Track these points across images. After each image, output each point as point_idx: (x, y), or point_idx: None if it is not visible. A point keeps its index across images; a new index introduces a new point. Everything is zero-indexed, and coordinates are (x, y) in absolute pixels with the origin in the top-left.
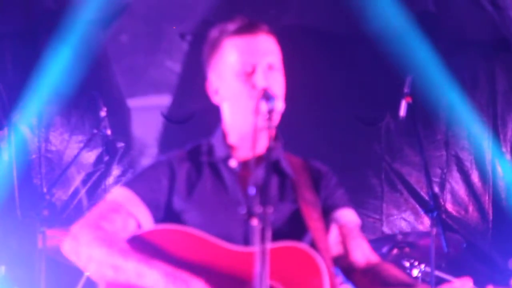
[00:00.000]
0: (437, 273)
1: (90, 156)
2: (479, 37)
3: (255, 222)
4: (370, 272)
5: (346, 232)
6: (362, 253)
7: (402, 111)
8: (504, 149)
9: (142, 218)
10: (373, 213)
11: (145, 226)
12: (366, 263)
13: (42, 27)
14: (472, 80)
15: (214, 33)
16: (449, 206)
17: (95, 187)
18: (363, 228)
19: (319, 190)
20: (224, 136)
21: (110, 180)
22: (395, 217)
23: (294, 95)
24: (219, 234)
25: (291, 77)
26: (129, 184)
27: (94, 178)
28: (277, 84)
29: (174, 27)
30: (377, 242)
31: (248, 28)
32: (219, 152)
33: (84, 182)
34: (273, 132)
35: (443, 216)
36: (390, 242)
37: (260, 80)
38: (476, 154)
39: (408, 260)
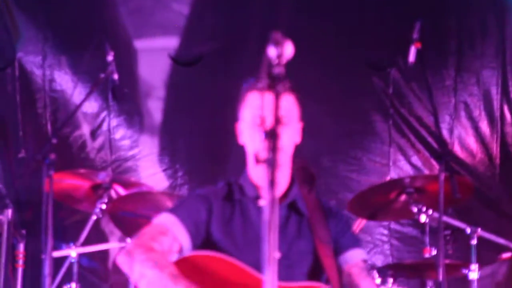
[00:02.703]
0: (445, 218)
1: (96, 99)
2: None
3: (277, 254)
4: None
5: (357, 271)
6: None
7: (411, 57)
8: None
9: (184, 244)
10: (381, 158)
11: (185, 252)
12: None
13: None
14: (481, 26)
15: (245, 85)
16: (457, 152)
17: (100, 129)
18: (371, 173)
19: (332, 230)
20: (250, 177)
21: (114, 122)
22: (402, 162)
23: (303, 40)
24: (249, 263)
25: (301, 22)
26: (174, 211)
27: (99, 120)
28: (285, 136)
29: None
30: (385, 186)
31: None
32: (250, 191)
33: (90, 124)
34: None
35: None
36: (398, 187)
37: None
38: (484, 100)
39: (416, 206)
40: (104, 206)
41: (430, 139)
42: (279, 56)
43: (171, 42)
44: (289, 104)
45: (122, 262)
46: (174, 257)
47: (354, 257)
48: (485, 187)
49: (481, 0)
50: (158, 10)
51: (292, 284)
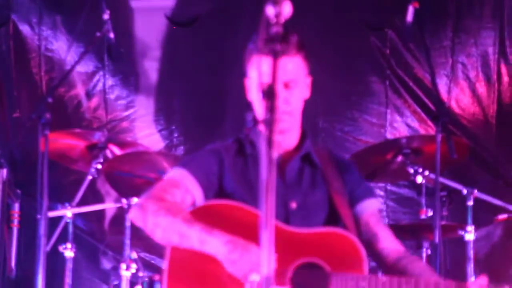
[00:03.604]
0: (441, 179)
1: (91, 59)
2: None
3: (294, 205)
4: (399, 262)
5: (375, 221)
6: (391, 241)
7: (409, 16)
8: (511, 57)
9: (197, 196)
10: (377, 119)
11: (197, 204)
12: (395, 250)
13: None
14: None
15: (251, 45)
16: (454, 113)
17: (95, 88)
18: (367, 133)
19: (345, 181)
20: (260, 132)
21: (110, 81)
22: (399, 123)
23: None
24: None
25: None
26: (185, 165)
27: (94, 80)
28: (293, 99)
29: None
30: (381, 147)
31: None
32: (261, 145)
33: (85, 84)
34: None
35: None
36: (394, 148)
37: None
38: (482, 60)
39: (412, 167)
40: (99, 166)
41: (426, 100)
42: (278, 15)
43: (168, 2)
44: (296, 66)
45: (135, 216)
46: (188, 209)
47: (370, 207)
48: (481, 148)
49: None
50: None
51: (313, 230)
